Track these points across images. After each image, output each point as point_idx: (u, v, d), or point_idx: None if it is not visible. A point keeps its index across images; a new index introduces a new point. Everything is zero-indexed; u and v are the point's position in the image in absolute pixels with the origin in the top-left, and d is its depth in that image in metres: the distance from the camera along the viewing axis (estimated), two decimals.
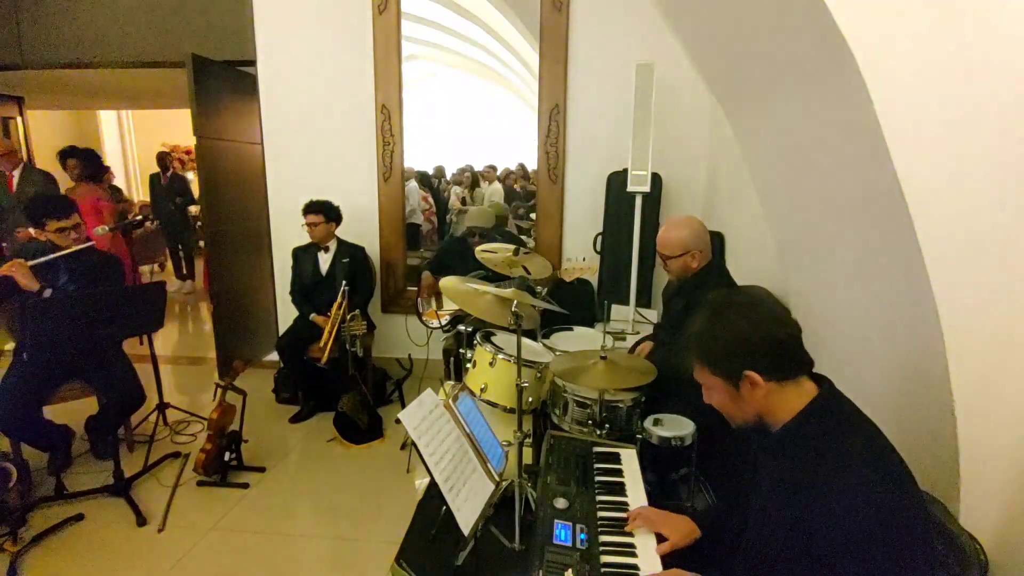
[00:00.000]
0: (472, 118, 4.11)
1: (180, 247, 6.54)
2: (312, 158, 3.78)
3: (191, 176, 6.87)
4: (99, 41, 4.04)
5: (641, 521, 1.38)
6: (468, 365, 2.46)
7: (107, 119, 8.88)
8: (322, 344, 3.12)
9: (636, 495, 1.53)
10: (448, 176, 4.59)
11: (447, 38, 3.91)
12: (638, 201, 3.19)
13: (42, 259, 2.51)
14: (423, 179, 4.49)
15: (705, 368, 1.19)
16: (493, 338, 2.47)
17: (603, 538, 1.35)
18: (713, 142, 3.45)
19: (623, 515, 1.44)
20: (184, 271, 6.62)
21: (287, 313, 3.80)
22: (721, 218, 3.27)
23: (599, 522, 1.40)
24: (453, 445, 1.54)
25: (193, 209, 6.42)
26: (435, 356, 3.65)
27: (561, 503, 1.45)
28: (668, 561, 1.31)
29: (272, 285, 4.01)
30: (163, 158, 6.46)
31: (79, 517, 2.43)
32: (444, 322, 3.24)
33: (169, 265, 6.87)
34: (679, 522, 1.38)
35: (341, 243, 3.47)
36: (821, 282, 2.36)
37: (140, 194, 8.97)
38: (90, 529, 2.40)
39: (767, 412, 1.14)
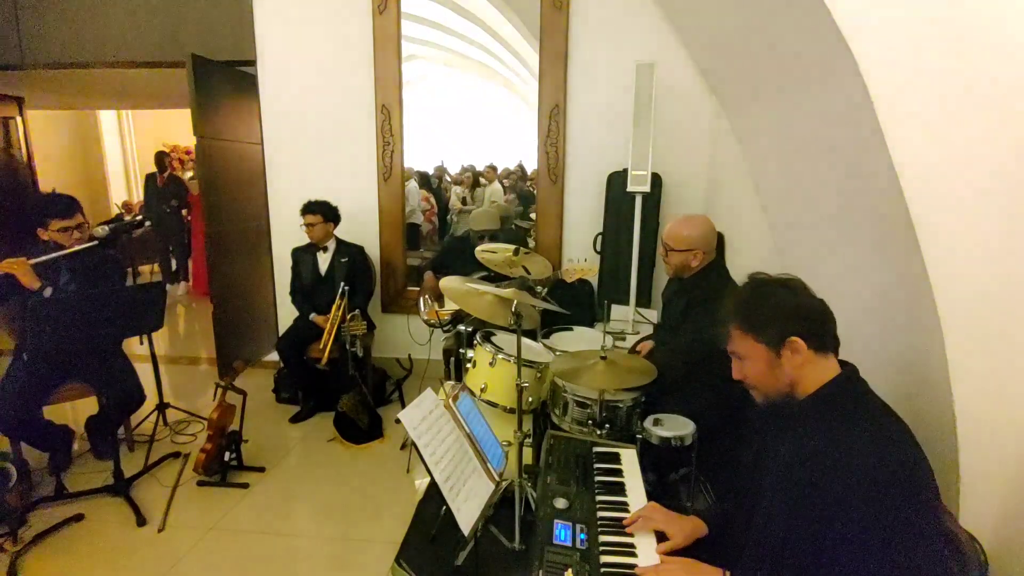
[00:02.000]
0: (472, 118, 4.11)
1: (172, 249, 6.53)
2: (312, 158, 3.78)
3: (189, 175, 6.85)
4: (99, 41, 4.03)
5: (643, 522, 1.37)
6: (468, 365, 2.46)
7: (107, 119, 8.88)
8: (322, 345, 3.12)
9: (636, 495, 1.52)
10: (448, 176, 4.60)
11: (447, 38, 3.91)
12: (638, 201, 3.18)
13: (44, 257, 2.51)
14: (423, 179, 4.49)
15: (748, 335, 1.21)
16: (493, 338, 2.47)
17: (603, 538, 1.35)
18: (713, 142, 3.45)
19: (623, 515, 1.43)
20: (177, 273, 6.62)
21: (287, 313, 3.80)
22: (721, 218, 3.26)
23: (599, 522, 1.40)
24: (453, 445, 1.54)
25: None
26: (435, 356, 3.65)
27: (561, 503, 1.45)
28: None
29: (272, 285, 4.01)
30: (161, 158, 6.38)
31: (79, 517, 2.43)
32: (445, 321, 3.24)
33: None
34: (684, 522, 1.37)
35: (340, 243, 3.48)
36: (821, 282, 2.35)
37: (139, 194, 8.95)
38: (90, 529, 2.39)
39: (799, 382, 1.18)
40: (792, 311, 1.18)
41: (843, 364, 1.21)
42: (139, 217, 5.46)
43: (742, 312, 1.23)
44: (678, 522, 1.37)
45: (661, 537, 1.36)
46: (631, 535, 1.37)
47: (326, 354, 3.11)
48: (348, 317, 3.14)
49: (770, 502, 1.17)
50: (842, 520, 1.00)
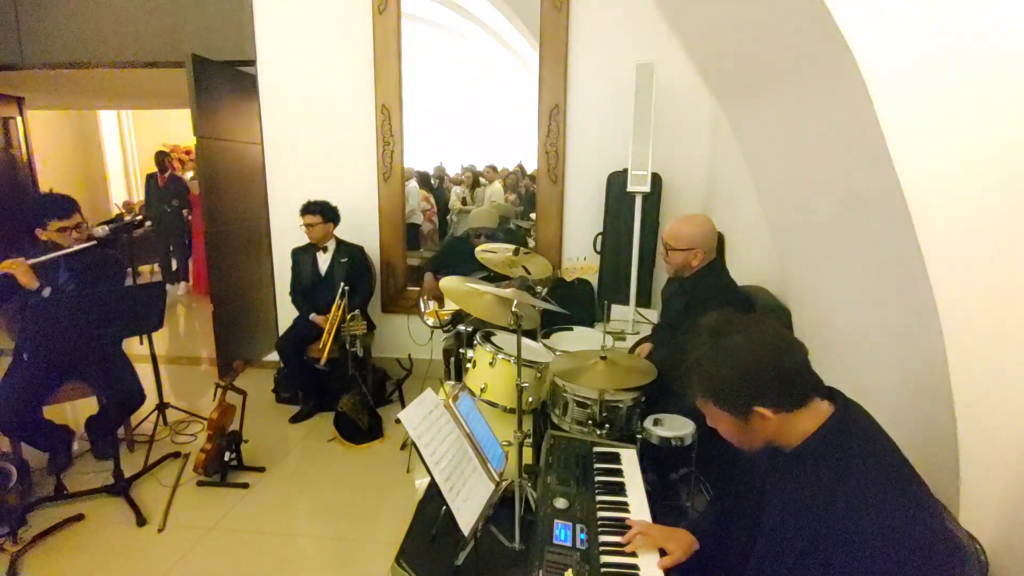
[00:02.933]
0: (472, 118, 4.10)
1: (172, 249, 6.53)
2: (312, 158, 3.78)
3: (190, 175, 6.85)
4: (99, 41, 4.03)
5: (641, 539, 1.33)
6: (468, 365, 2.46)
7: (107, 119, 8.87)
8: (321, 345, 3.13)
9: (636, 495, 1.52)
10: (448, 176, 4.60)
11: (447, 38, 3.91)
12: (638, 201, 3.19)
13: (43, 257, 2.51)
14: (424, 179, 4.49)
15: (709, 402, 1.13)
16: (493, 338, 2.47)
17: (603, 538, 1.34)
18: (713, 142, 3.45)
19: (623, 515, 1.43)
20: (177, 273, 6.63)
21: (287, 313, 3.80)
22: (721, 218, 3.26)
23: (599, 522, 1.40)
24: (453, 445, 1.54)
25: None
26: (435, 356, 3.65)
27: (561, 503, 1.45)
28: (671, 573, 1.29)
29: (272, 285, 4.01)
30: (161, 159, 6.38)
31: (79, 517, 2.43)
32: (446, 321, 3.24)
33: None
34: (680, 536, 1.35)
35: (340, 243, 3.48)
36: (821, 282, 2.36)
37: (139, 194, 8.95)
38: (90, 529, 2.39)
39: (777, 438, 1.11)
40: (755, 379, 1.06)
41: (832, 397, 1.11)
42: (139, 217, 5.47)
43: (703, 379, 1.12)
44: (676, 537, 1.34)
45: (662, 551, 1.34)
46: None
47: (325, 354, 3.11)
48: (348, 317, 3.14)
49: (767, 545, 1.12)
50: None
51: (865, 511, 0.96)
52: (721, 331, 1.12)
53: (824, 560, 0.97)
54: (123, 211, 7.73)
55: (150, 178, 6.44)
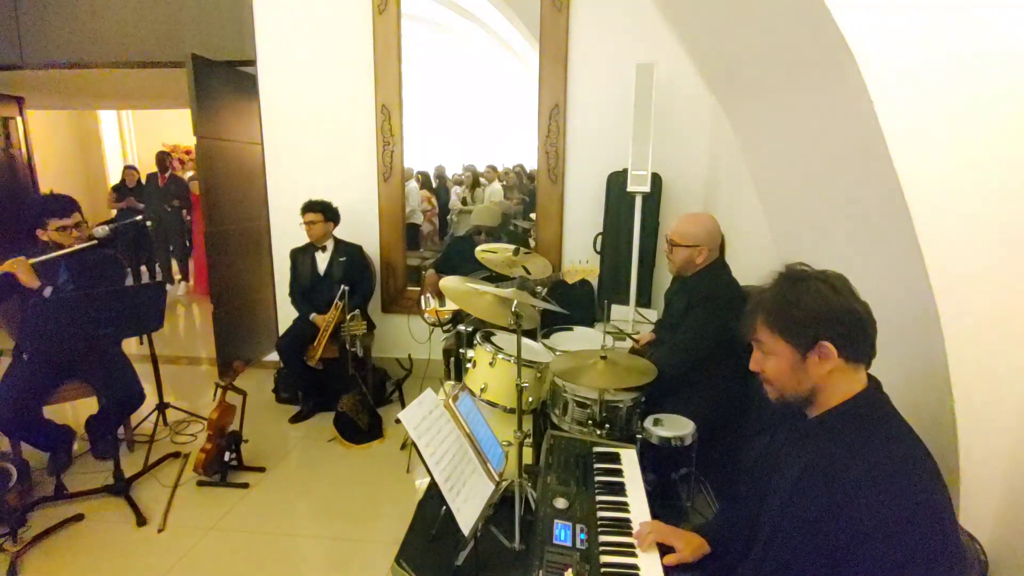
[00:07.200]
0: (472, 118, 4.11)
1: (172, 248, 6.54)
2: (312, 158, 3.78)
3: (190, 175, 6.85)
4: (99, 41, 4.03)
5: (654, 536, 1.32)
6: (468, 365, 2.46)
7: (107, 119, 8.88)
8: (315, 344, 3.13)
9: (636, 495, 1.52)
10: (448, 176, 4.60)
11: (447, 38, 3.91)
12: (638, 201, 3.18)
13: (44, 257, 2.52)
14: (424, 179, 4.49)
15: (775, 331, 1.12)
16: (493, 338, 2.47)
17: (603, 538, 1.34)
18: (713, 142, 3.45)
19: (623, 515, 1.43)
20: (178, 273, 6.63)
21: (287, 313, 3.80)
22: (721, 218, 3.26)
23: (599, 522, 1.40)
24: (453, 445, 1.54)
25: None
26: (435, 356, 3.65)
27: (561, 503, 1.45)
28: (673, 572, 1.28)
29: (272, 285, 4.01)
30: (163, 159, 6.39)
31: (79, 517, 2.43)
32: (446, 320, 3.24)
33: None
34: (691, 538, 1.34)
35: (338, 243, 3.49)
36: None
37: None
38: (90, 529, 2.40)
39: (822, 390, 1.10)
40: (829, 312, 1.07)
41: (868, 378, 1.13)
42: (139, 217, 5.47)
43: (772, 306, 1.12)
44: (685, 536, 1.34)
45: (666, 549, 1.33)
46: (631, 535, 1.36)
47: (317, 354, 3.12)
48: (348, 317, 3.14)
49: (777, 518, 1.12)
50: (861, 554, 0.95)
51: (880, 482, 0.97)
52: (798, 277, 1.14)
53: (835, 526, 0.98)
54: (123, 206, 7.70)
55: (150, 178, 6.44)
